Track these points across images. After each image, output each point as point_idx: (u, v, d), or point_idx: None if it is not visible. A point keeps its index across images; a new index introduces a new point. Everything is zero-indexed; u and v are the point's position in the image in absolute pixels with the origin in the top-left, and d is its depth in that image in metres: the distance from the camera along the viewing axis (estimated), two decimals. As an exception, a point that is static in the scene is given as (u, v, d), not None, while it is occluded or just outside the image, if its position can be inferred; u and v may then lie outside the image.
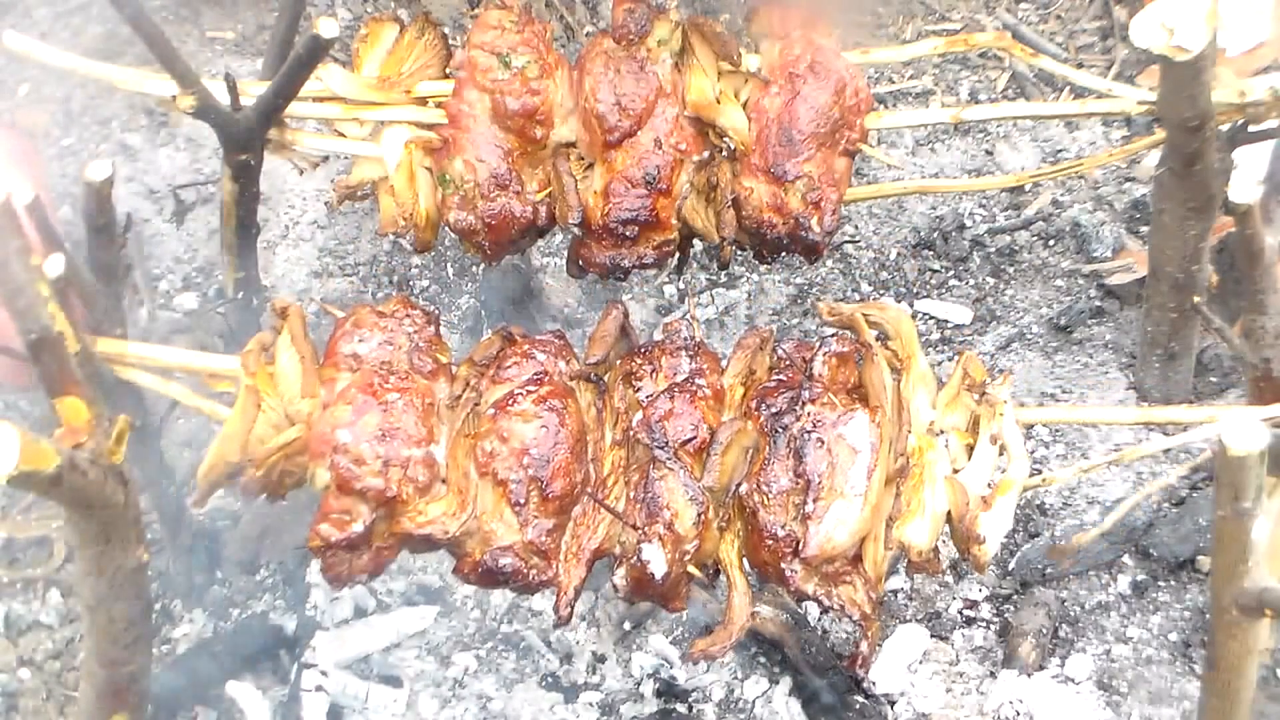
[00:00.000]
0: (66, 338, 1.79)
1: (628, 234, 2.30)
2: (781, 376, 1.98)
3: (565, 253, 2.51)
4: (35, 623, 2.56)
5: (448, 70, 2.42)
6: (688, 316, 2.39)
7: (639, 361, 2.00)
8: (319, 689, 2.32)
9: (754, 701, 2.33)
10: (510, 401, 1.92)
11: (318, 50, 2.19)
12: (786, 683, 2.34)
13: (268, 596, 2.54)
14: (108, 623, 1.94)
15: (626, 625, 2.44)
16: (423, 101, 2.39)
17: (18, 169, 2.36)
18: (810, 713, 2.31)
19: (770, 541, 1.88)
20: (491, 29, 2.33)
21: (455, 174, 2.33)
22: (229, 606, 2.52)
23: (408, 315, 2.00)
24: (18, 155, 2.38)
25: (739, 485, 1.91)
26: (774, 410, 1.92)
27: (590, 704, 2.33)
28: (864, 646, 1.90)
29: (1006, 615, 2.42)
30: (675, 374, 1.97)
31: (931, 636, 2.40)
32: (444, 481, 1.92)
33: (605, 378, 2.02)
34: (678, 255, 2.43)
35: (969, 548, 1.89)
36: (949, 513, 1.90)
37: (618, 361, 2.05)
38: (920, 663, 2.36)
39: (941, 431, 1.95)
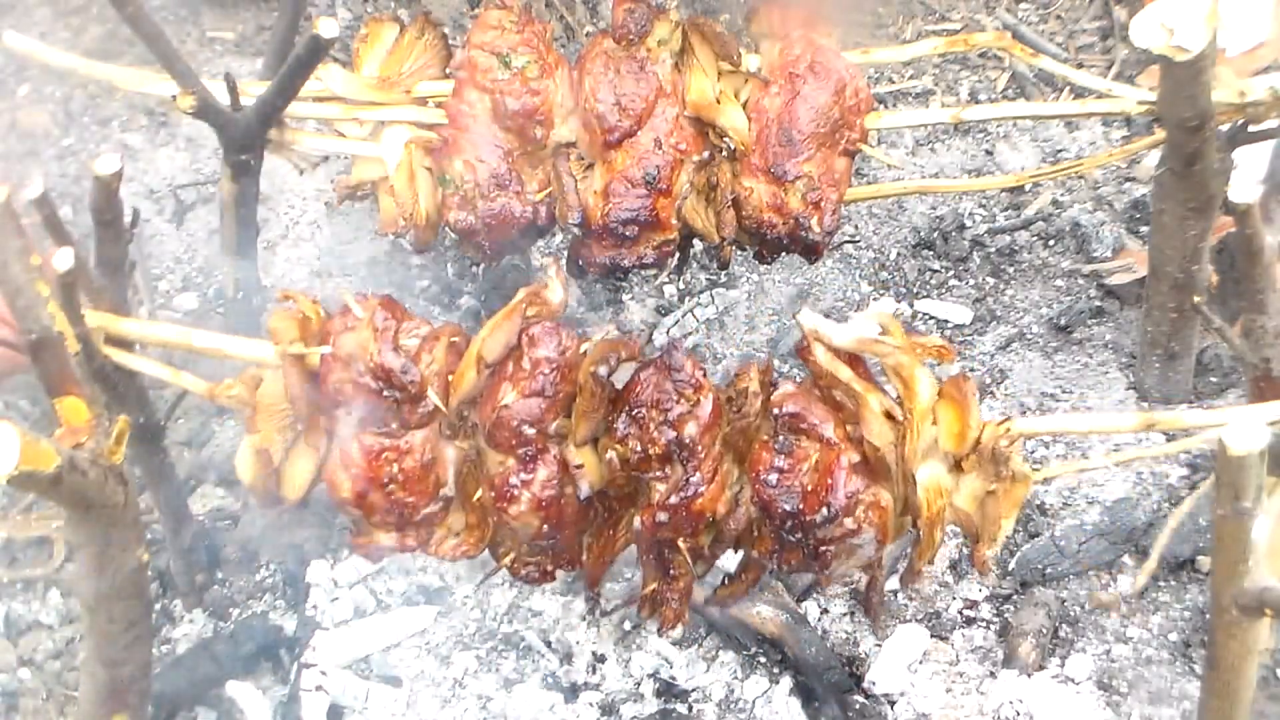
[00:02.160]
0: (66, 338, 1.79)
1: (628, 234, 2.31)
2: (784, 488, 1.91)
3: (565, 252, 2.51)
4: (35, 623, 2.56)
5: (448, 70, 2.42)
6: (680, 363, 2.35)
7: (632, 443, 1.92)
8: (319, 689, 2.32)
9: (754, 701, 2.33)
10: (508, 498, 1.94)
11: (318, 50, 2.19)
12: (786, 683, 2.34)
13: (268, 596, 2.54)
14: (108, 623, 1.93)
15: (626, 625, 2.44)
16: (423, 101, 2.39)
17: None
18: (810, 713, 2.31)
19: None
20: (491, 29, 2.33)
21: (455, 174, 2.33)
22: (229, 606, 2.52)
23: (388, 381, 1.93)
24: None
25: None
26: (784, 528, 1.94)
27: (590, 704, 2.33)
28: (873, 595, 2.00)
29: (1006, 615, 2.42)
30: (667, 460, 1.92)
31: (931, 636, 2.40)
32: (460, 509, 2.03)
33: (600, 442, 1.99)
34: (678, 255, 2.43)
35: (973, 552, 1.92)
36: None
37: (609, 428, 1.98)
38: (920, 663, 2.36)
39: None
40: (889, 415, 1.86)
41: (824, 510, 1.87)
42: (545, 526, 1.94)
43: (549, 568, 2.05)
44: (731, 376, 1.98)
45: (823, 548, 1.89)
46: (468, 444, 1.96)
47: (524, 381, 1.89)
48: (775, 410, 1.91)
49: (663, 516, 1.91)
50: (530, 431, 1.90)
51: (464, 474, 1.99)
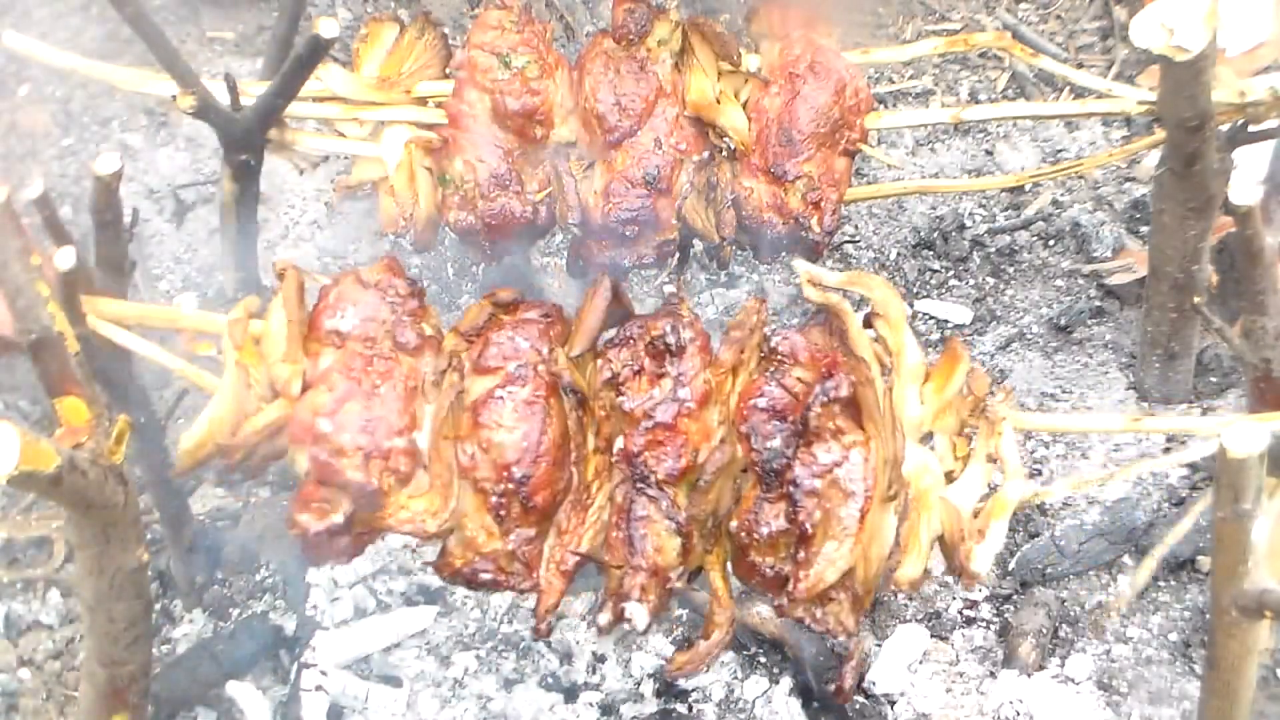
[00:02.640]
0: (66, 338, 1.79)
1: (628, 234, 2.31)
2: (773, 389, 1.89)
3: (565, 253, 2.51)
4: (35, 623, 2.56)
5: (448, 70, 2.42)
6: (679, 280, 2.34)
7: (623, 356, 1.92)
8: (319, 689, 2.32)
9: (754, 701, 2.33)
10: (491, 403, 1.87)
11: (318, 50, 2.19)
12: (786, 683, 2.34)
13: (268, 596, 2.54)
14: (108, 623, 1.93)
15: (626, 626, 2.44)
16: (423, 101, 2.39)
17: None
18: (810, 713, 2.31)
19: (758, 578, 1.88)
20: (491, 29, 2.33)
21: (455, 174, 2.33)
22: (229, 606, 2.52)
23: (392, 285, 1.96)
24: None
25: (727, 516, 1.89)
26: (766, 444, 1.86)
27: (590, 704, 2.33)
28: (848, 678, 1.89)
29: (1006, 615, 2.42)
30: (659, 375, 1.89)
31: (931, 636, 2.40)
32: (425, 468, 1.89)
33: (591, 366, 1.95)
34: (678, 255, 2.43)
35: (961, 572, 1.88)
36: (941, 535, 1.87)
37: (605, 345, 1.96)
38: (920, 663, 2.36)
39: (931, 434, 1.92)
40: (878, 360, 1.90)
41: (818, 391, 1.84)
42: (521, 452, 1.85)
43: (502, 568, 1.90)
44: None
45: (805, 499, 1.82)
46: (455, 377, 1.93)
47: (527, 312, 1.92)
48: (770, 345, 1.93)
49: (640, 440, 1.85)
50: (524, 345, 1.89)
51: (440, 424, 1.91)
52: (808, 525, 1.81)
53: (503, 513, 1.86)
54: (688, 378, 1.88)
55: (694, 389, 1.88)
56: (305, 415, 1.85)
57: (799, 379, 1.88)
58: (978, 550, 1.85)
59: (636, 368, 1.90)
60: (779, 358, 1.91)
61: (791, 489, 1.83)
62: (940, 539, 1.87)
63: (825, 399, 1.84)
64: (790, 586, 1.84)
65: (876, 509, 1.84)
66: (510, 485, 1.85)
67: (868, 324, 1.94)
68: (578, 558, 1.90)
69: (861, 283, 1.95)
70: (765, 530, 1.85)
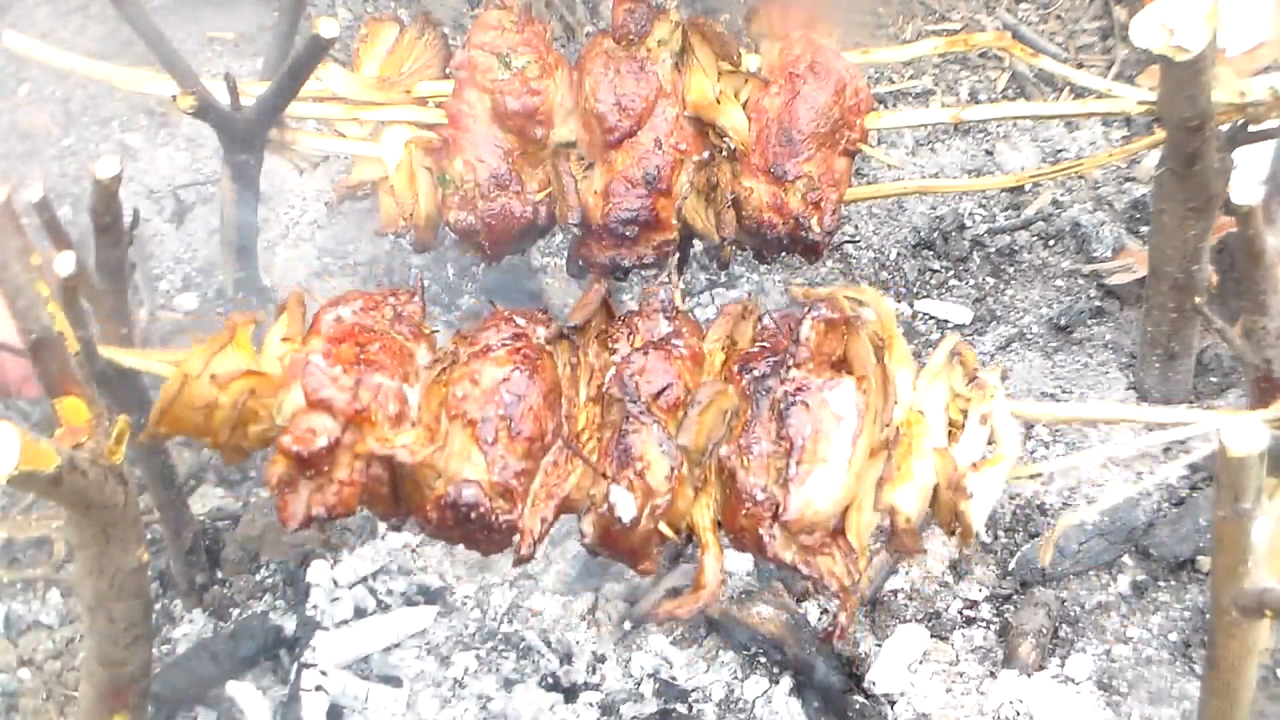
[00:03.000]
0: (66, 338, 1.79)
1: (628, 234, 2.31)
2: (765, 344, 1.94)
3: (565, 253, 2.51)
4: (35, 623, 2.56)
5: (448, 70, 2.42)
6: (668, 279, 2.35)
7: (616, 325, 1.97)
8: (319, 689, 2.32)
9: (754, 701, 2.33)
10: (485, 351, 1.89)
11: (318, 50, 2.19)
12: (786, 683, 2.34)
13: (268, 596, 2.54)
14: (108, 623, 1.93)
15: (626, 625, 2.44)
16: (423, 101, 2.39)
17: None
18: (810, 713, 2.31)
19: (749, 504, 1.83)
20: (491, 29, 2.33)
21: (455, 174, 2.33)
22: (229, 606, 2.52)
23: (393, 294, 1.98)
24: None
25: (717, 447, 1.87)
26: (757, 374, 1.88)
27: (590, 704, 2.33)
28: (842, 618, 1.84)
29: (1006, 615, 2.42)
30: (652, 335, 1.93)
31: (931, 636, 2.40)
32: (415, 424, 1.88)
33: (582, 341, 1.99)
34: (678, 255, 2.43)
35: (955, 505, 1.84)
36: (936, 486, 1.85)
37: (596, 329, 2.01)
38: (920, 663, 2.36)
39: (924, 409, 1.92)
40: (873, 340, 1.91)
41: (809, 311, 1.87)
42: (511, 381, 1.86)
43: (487, 493, 1.85)
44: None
45: (794, 415, 1.80)
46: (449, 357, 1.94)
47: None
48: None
49: (634, 365, 1.87)
50: (519, 320, 1.92)
51: (432, 382, 1.92)
52: (798, 439, 1.80)
53: (490, 440, 1.84)
54: (682, 336, 1.92)
55: (687, 344, 1.92)
56: (298, 359, 1.85)
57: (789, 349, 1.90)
58: (974, 503, 1.84)
59: (630, 332, 1.94)
60: (769, 333, 1.94)
61: (782, 406, 1.83)
62: (935, 492, 1.85)
63: (816, 316, 1.86)
64: (780, 510, 1.80)
65: (865, 452, 1.82)
66: (499, 411, 1.84)
67: None
68: (564, 495, 1.89)
69: (852, 290, 2.00)
70: (755, 450, 1.83)
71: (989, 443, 1.90)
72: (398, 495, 1.92)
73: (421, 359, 1.93)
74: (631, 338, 1.94)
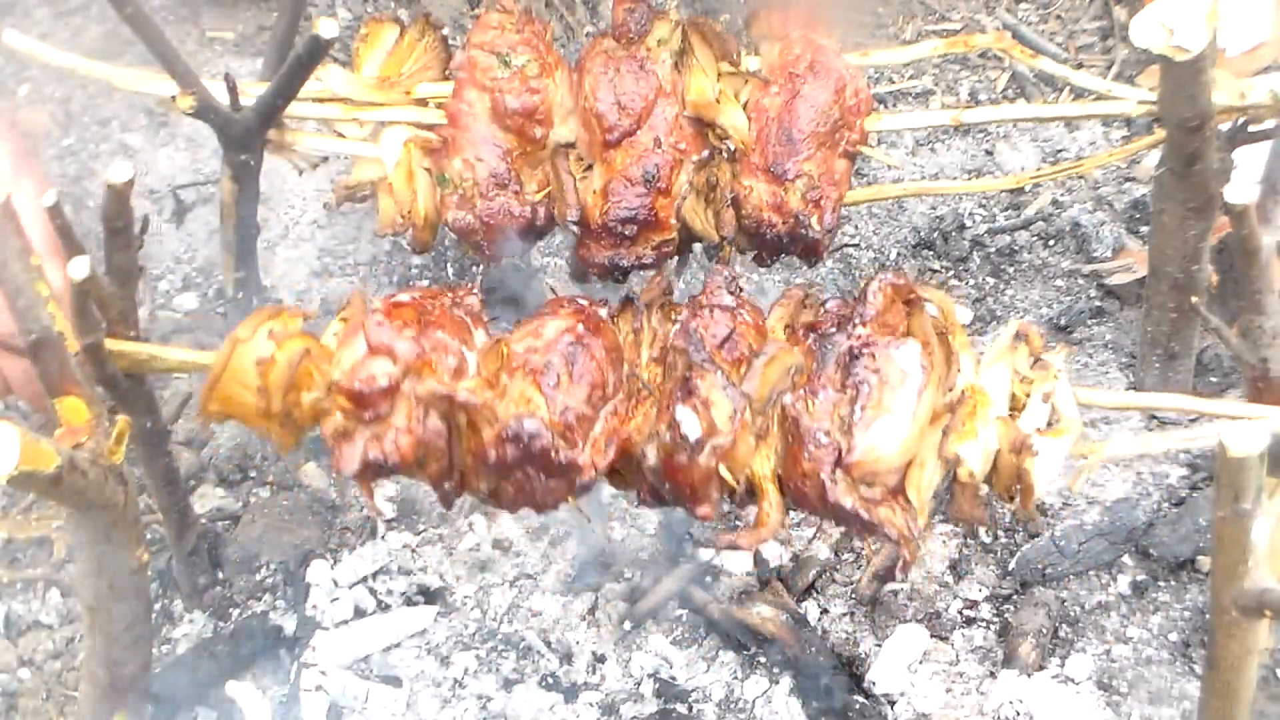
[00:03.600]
0: (66, 338, 1.79)
1: (627, 233, 2.31)
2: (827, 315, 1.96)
3: (565, 253, 2.51)
4: (35, 623, 2.56)
5: (447, 71, 2.42)
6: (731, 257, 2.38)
7: (679, 304, 2.00)
8: (319, 689, 2.32)
9: (754, 701, 2.33)
10: (545, 316, 1.92)
11: (318, 50, 2.20)
12: (786, 683, 2.34)
13: (268, 596, 2.54)
14: (108, 623, 1.94)
15: (626, 625, 2.44)
16: (423, 102, 2.39)
17: (20, 173, 2.35)
18: (810, 713, 2.31)
19: (812, 448, 1.82)
20: (491, 29, 2.33)
21: (454, 173, 2.33)
22: (229, 606, 2.52)
23: (451, 290, 1.99)
24: (19, 159, 2.37)
25: (780, 397, 1.87)
26: (822, 335, 1.90)
27: (590, 704, 2.33)
28: (905, 555, 1.84)
29: (1006, 615, 2.42)
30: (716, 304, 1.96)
31: (931, 636, 2.40)
32: (475, 376, 1.87)
33: (645, 311, 2.00)
34: (678, 255, 2.43)
35: (1019, 466, 1.83)
36: (998, 452, 1.86)
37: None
38: (920, 663, 2.36)
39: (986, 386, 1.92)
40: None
41: (875, 275, 1.90)
42: (570, 331, 1.89)
43: (548, 427, 1.83)
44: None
45: (860, 365, 1.82)
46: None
47: None
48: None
49: (700, 318, 1.90)
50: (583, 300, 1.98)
51: (491, 346, 1.93)
52: (864, 387, 1.82)
53: (553, 383, 1.84)
54: (745, 308, 1.95)
55: (751, 313, 1.95)
56: (355, 324, 1.84)
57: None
58: (1038, 461, 1.83)
59: (693, 305, 1.95)
60: (831, 316, 1.95)
61: (847, 358, 1.85)
62: (994, 460, 1.86)
63: (883, 280, 1.88)
64: (845, 452, 1.81)
65: (929, 409, 1.83)
66: (562, 360, 1.85)
67: None
68: (626, 436, 1.89)
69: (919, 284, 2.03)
70: (820, 397, 1.84)
71: (1049, 423, 1.90)
72: (452, 456, 1.87)
73: (479, 340, 1.92)
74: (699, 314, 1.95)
